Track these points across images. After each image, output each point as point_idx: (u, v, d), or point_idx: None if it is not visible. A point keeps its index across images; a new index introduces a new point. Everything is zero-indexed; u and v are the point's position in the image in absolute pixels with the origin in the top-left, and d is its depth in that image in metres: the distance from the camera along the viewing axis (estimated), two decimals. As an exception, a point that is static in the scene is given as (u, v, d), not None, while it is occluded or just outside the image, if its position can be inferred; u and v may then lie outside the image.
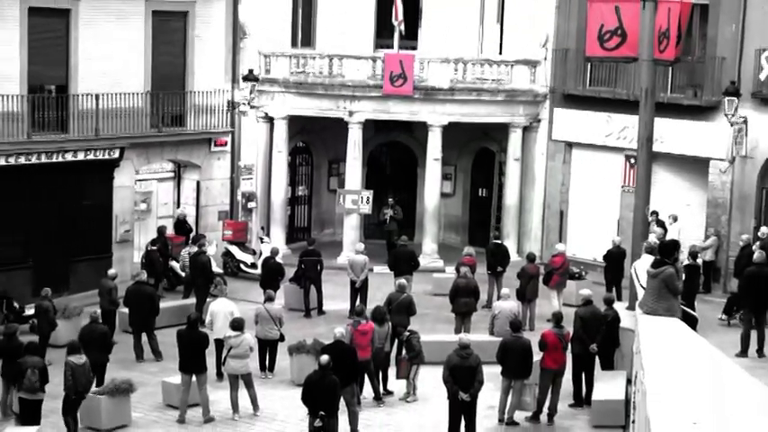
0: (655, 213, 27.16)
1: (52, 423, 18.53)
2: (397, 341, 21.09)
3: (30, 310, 24.00)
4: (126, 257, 29.18)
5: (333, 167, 34.96)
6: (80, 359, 18.33)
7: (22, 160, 26.65)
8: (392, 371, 20.77)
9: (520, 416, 19.15)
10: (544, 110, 32.19)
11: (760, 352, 22.14)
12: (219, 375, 20.99)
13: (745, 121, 27.56)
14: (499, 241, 28.57)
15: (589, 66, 30.54)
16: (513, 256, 29.30)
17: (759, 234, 26.08)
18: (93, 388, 19.33)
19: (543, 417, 19.31)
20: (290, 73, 31.77)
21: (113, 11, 28.56)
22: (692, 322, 19.00)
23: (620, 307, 21.54)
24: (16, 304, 24.80)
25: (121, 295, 24.00)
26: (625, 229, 28.06)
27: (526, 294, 25.05)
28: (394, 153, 35.60)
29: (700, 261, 26.01)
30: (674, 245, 22.37)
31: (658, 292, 15.90)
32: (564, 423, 19.27)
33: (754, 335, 22.32)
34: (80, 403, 18.48)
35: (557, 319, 19.78)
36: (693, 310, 22.91)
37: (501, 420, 19.08)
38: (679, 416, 7.68)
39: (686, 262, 23.64)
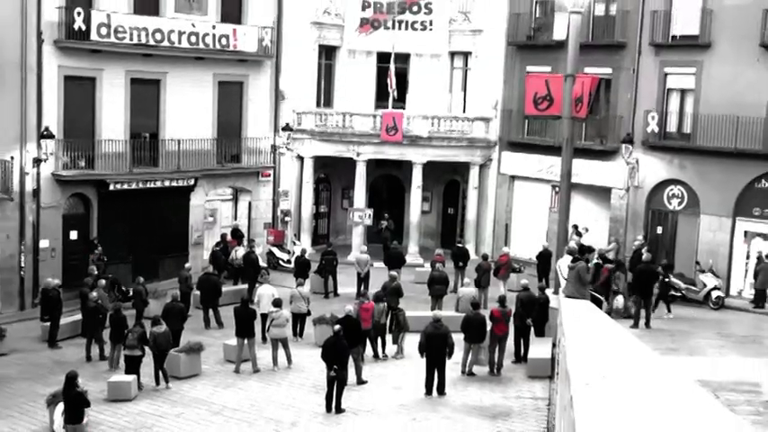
0: (574, 226, 27.22)
1: (147, 374, 18.53)
2: (389, 316, 21.10)
3: (130, 293, 24.02)
4: (198, 255, 29.18)
5: (345, 192, 34.93)
6: (160, 328, 18.36)
7: (125, 186, 26.71)
8: (388, 338, 20.77)
9: (477, 369, 19.18)
10: (494, 152, 32.23)
11: (647, 325, 22.18)
12: (264, 339, 20.96)
13: (637, 162, 27.71)
14: (461, 245, 28.57)
15: (527, 121, 30.60)
16: (472, 256, 29.24)
17: (635, 243, 26.20)
18: (173, 348, 19.35)
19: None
20: (315, 125, 31.77)
21: (191, 80, 28.67)
22: (598, 303, 19.09)
23: (548, 292, 21.55)
24: (124, 288, 24.83)
25: (195, 282, 24.03)
26: (551, 237, 28.05)
27: (481, 283, 25.01)
28: (388, 182, 35.58)
29: (604, 260, 26.07)
30: (587, 248, 22.35)
31: (575, 281, 15.96)
32: (508, 374, 19.25)
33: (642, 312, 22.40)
34: (164, 359, 18.47)
35: (501, 300, 19.83)
36: (600, 295, 23.01)
37: (463, 372, 19.08)
38: (591, 370, 7.72)
39: (595, 261, 23.67)
